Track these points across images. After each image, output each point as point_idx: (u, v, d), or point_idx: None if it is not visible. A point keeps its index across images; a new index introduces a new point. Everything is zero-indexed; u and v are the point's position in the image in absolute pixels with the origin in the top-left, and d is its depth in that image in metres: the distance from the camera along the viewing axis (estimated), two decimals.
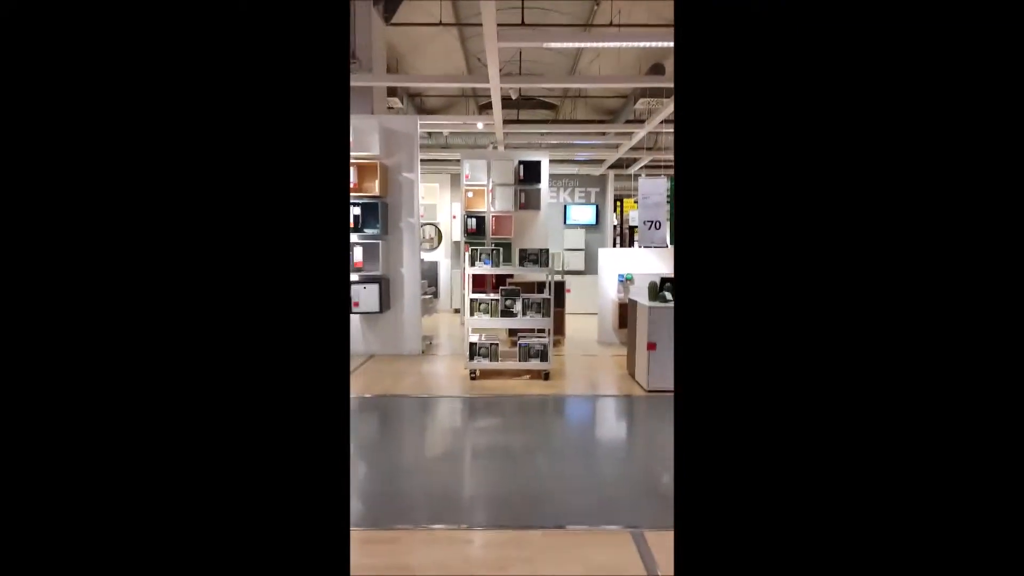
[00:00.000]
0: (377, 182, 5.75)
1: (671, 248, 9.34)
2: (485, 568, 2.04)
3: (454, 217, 9.33)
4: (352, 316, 5.82)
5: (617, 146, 8.74)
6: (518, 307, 4.97)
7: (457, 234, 8.43)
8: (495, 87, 5.09)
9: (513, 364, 4.97)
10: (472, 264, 4.89)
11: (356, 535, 2.16)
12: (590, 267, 9.31)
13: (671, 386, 5.36)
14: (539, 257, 4.93)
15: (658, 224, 4.99)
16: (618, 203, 11.15)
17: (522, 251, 4.94)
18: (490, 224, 8.12)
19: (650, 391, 4.51)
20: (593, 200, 10.17)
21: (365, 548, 2.06)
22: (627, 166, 10.80)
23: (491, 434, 3.73)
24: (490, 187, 8.07)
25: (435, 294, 9.13)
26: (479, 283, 7.94)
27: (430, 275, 9.47)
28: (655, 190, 4.98)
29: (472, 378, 4.92)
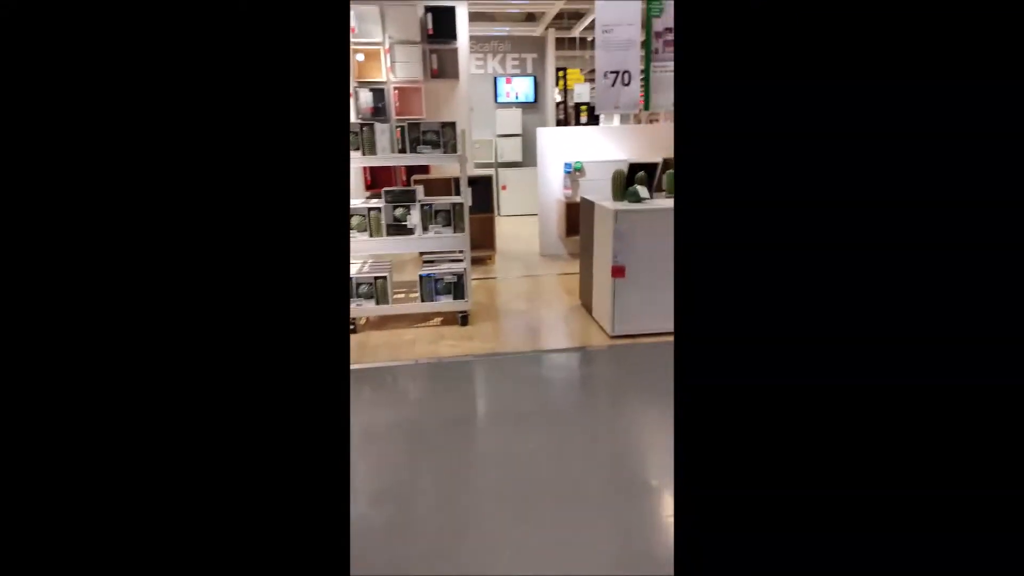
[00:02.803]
0: None
1: (646, 121, 7.43)
2: None
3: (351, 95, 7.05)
4: None
5: None
6: (414, 218, 3.22)
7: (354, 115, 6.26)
8: None
9: (412, 306, 3.33)
10: None
11: None
12: (529, 157, 7.47)
13: (648, 327, 3.25)
14: (439, 137, 3.09)
15: (627, 76, 3.16)
16: (561, 74, 9.03)
17: (410, 126, 3.07)
18: (391, 99, 6.01)
19: (616, 337, 3.04)
20: (530, 70, 8.04)
21: None
22: (571, 23, 8.59)
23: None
24: (387, 46, 5.85)
25: None
26: (383, 180, 6.01)
27: None
28: (622, 17, 3.08)
29: (351, 331, 3.27)
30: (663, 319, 3.01)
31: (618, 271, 2.94)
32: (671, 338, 3.00)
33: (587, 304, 3.50)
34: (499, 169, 7.81)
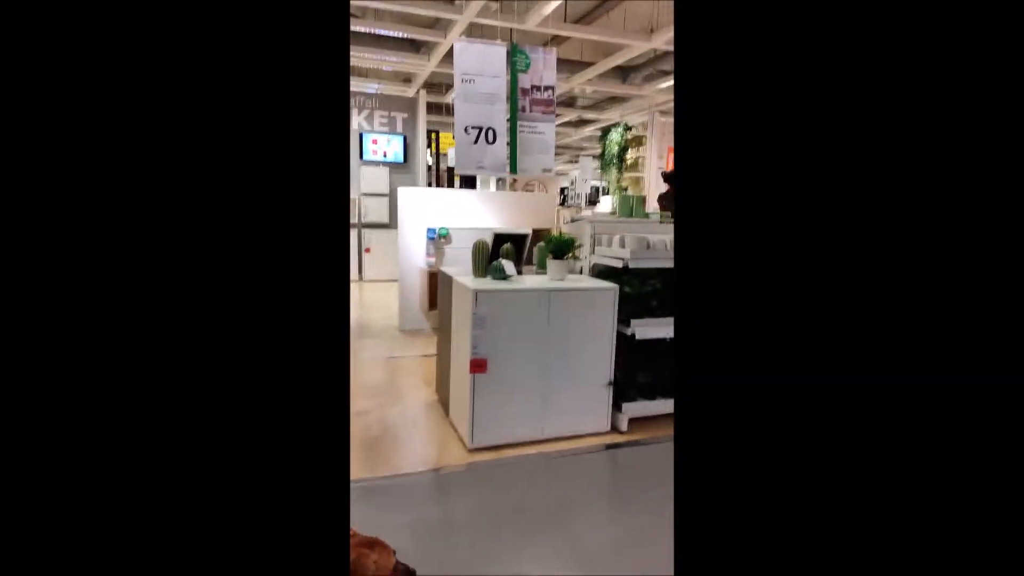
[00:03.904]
0: None
1: (522, 188, 7.10)
2: None
3: None
4: None
5: (433, 47, 6.26)
6: None
7: None
8: None
9: None
10: None
11: None
12: (396, 219, 6.90)
13: (514, 436, 2.44)
14: None
15: (491, 134, 2.72)
16: (433, 136, 8.75)
17: None
18: None
19: (475, 450, 2.40)
20: (400, 129, 7.62)
21: None
22: (446, 90, 8.45)
23: None
24: None
25: None
26: None
27: None
28: (485, 67, 2.66)
29: None
30: (533, 425, 2.45)
31: (477, 365, 2.35)
32: (542, 447, 2.41)
33: (444, 399, 2.85)
34: (363, 230, 7.10)
